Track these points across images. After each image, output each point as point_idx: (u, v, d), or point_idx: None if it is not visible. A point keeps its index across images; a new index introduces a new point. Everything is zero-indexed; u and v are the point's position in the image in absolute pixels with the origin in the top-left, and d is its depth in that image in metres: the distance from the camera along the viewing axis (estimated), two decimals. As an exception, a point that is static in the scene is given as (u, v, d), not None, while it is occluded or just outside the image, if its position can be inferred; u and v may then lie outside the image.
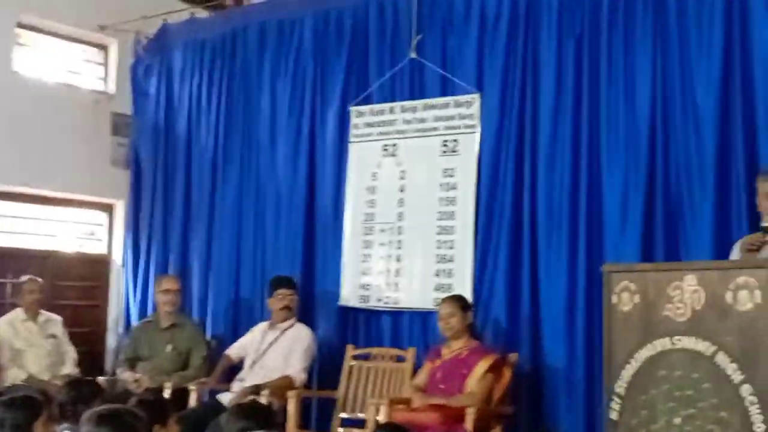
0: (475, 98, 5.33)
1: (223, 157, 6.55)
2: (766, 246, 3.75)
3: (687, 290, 3.36)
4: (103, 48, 7.30)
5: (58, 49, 7.05)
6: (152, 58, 7.01)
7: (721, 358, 3.21)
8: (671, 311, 3.40)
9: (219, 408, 4.96)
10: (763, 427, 3.05)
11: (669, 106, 4.61)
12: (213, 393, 5.52)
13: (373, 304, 5.65)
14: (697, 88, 4.50)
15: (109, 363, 6.86)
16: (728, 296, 3.22)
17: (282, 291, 5.56)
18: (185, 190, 6.75)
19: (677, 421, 3.32)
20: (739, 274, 3.22)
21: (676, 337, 3.37)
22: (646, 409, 3.43)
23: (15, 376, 5.65)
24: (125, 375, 5.72)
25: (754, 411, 3.08)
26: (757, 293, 3.13)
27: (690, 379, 3.30)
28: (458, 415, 4.43)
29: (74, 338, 6.24)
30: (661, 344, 3.42)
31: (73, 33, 7.07)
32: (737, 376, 3.15)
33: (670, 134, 4.59)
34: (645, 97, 4.66)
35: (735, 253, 3.88)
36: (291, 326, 5.55)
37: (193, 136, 6.75)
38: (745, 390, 3.12)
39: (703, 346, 3.27)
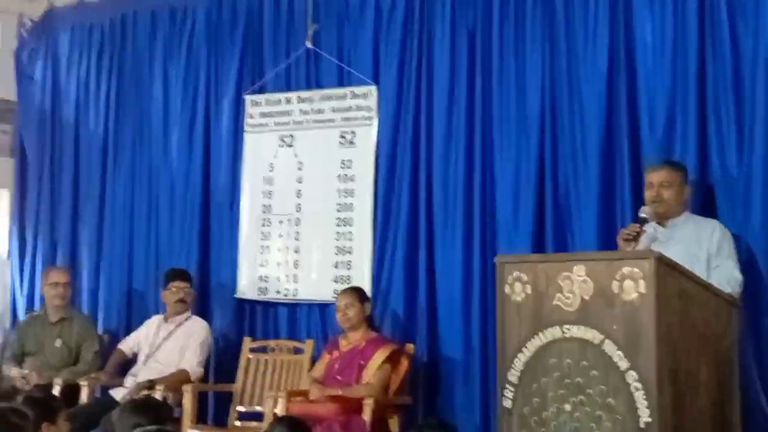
0: (372, 90, 5.36)
1: (114, 145, 6.39)
2: (641, 236, 3.84)
3: (576, 280, 3.37)
4: (-17, 30, 7.06)
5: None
6: (37, 41, 6.79)
7: (608, 346, 3.24)
8: (561, 301, 3.41)
9: (112, 404, 4.88)
10: (647, 411, 3.10)
11: (557, 101, 4.69)
12: (105, 389, 5.42)
13: (271, 296, 5.64)
14: (583, 84, 4.61)
15: (-6, 360, 6.68)
16: (614, 286, 3.24)
17: (177, 284, 5.49)
18: (74, 179, 6.57)
19: (567, 407, 3.34)
20: (624, 265, 3.24)
21: (566, 326, 3.39)
22: (538, 397, 3.45)
23: None
24: (12, 372, 5.54)
25: (639, 397, 3.13)
26: (641, 283, 3.16)
27: (579, 367, 3.32)
28: (356, 406, 4.47)
29: (-44, 334, 6.07)
30: (552, 333, 3.44)
31: (-51, 14, 6.82)
32: (623, 364, 3.19)
33: (558, 128, 4.68)
34: (535, 91, 4.74)
35: None
36: (186, 319, 5.50)
37: (82, 124, 6.57)
38: (631, 376, 3.16)
39: (592, 335, 3.30)
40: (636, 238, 3.81)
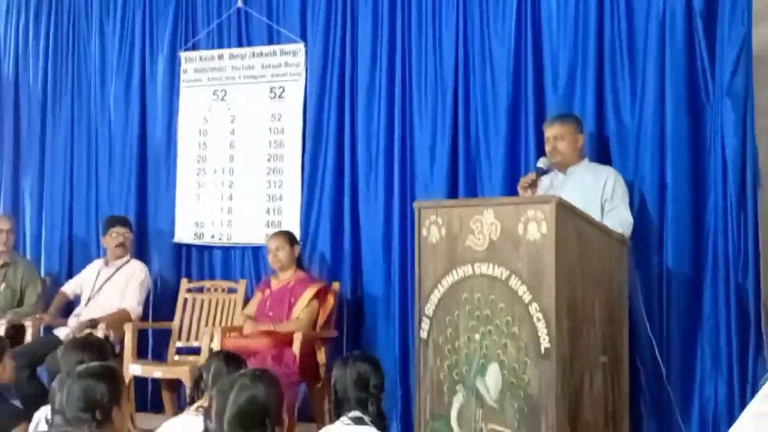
0: (300, 48, 5.30)
1: (53, 98, 6.19)
2: (539, 183, 3.97)
3: (485, 223, 3.42)
4: None
5: None
6: (-25, -3, 6.52)
7: (514, 282, 3.31)
8: (472, 242, 3.46)
9: (56, 343, 4.76)
10: (547, 339, 3.18)
11: (469, 61, 4.70)
12: (49, 329, 5.32)
13: (206, 240, 5.60)
14: (493, 45, 4.63)
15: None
16: (520, 228, 3.30)
17: (116, 229, 5.40)
18: (14, 131, 6.34)
19: (477, 337, 3.42)
20: (528, 209, 3.30)
21: (477, 264, 3.45)
22: (451, 328, 3.52)
23: None
24: (-42, 314, 5.44)
25: (541, 327, 3.21)
26: (543, 225, 3.23)
27: (488, 301, 3.39)
28: (287, 340, 4.49)
29: None
30: (464, 271, 3.50)
31: None
32: (527, 297, 3.27)
33: (470, 87, 4.70)
34: (450, 52, 4.74)
35: None
36: (126, 263, 5.42)
37: (21, 78, 6.34)
38: (533, 308, 3.23)
39: (499, 272, 3.36)
40: (533, 185, 3.92)
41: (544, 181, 4.07)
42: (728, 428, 3.78)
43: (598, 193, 3.96)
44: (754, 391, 3.65)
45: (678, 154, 4.12)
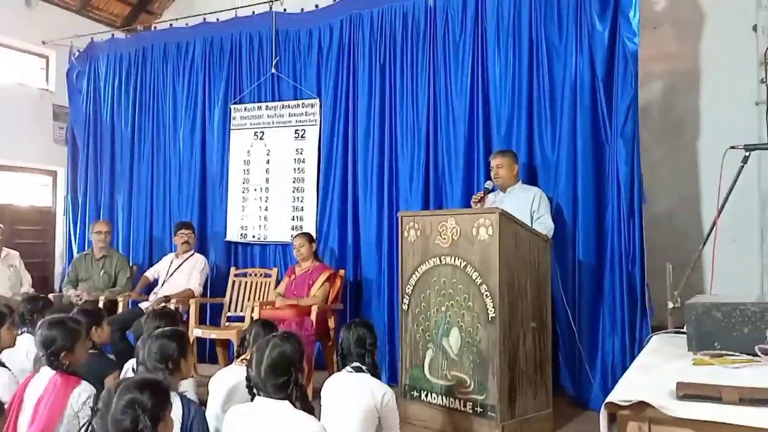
0: (316, 102, 5.30)
1: (139, 138, 6.15)
2: (486, 199, 3.99)
3: (449, 228, 3.45)
4: (44, 57, 6.66)
5: (12, 57, 6.38)
6: (83, 65, 6.45)
7: (469, 269, 3.35)
8: (439, 241, 3.50)
9: (140, 313, 4.74)
10: (493, 310, 3.22)
11: (438, 112, 4.70)
12: (135, 303, 5.28)
13: (248, 239, 5.58)
14: (455, 100, 4.63)
15: (56, 284, 6.42)
16: (473, 230, 3.34)
17: (182, 231, 5.38)
18: (111, 160, 6.30)
19: (443, 308, 3.46)
20: (479, 217, 3.34)
21: (442, 257, 3.49)
22: (424, 303, 3.56)
23: (-17, 295, 5.22)
24: (70, 292, 5.36)
25: (488, 301, 3.25)
26: (490, 228, 3.27)
27: (451, 283, 3.43)
28: (306, 311, 4.49)
29: (30, 267, 5.74)
30: (433, 261, 3.54)
31: (23, 46, 6.43)
32: (478, 280, 3.30)
33: (438, 130, 4.70)
34: (423, 105, 4.74)
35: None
36: (190, 255, 5.38)
37: (116, 123, 6.29)
38: (483, 288, 3.27)
39: (458, 262, 3.40)
40: (482, 200, 3.96)
41: (490, 197, 4.09)
42: (622, 374, 3.83)
43: (529, 206, 3.98)
44: (641, 347, 3.66)
45: (586, 177, 4.13)
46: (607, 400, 1.47)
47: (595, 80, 4.13)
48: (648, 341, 2.22)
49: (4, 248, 5.51)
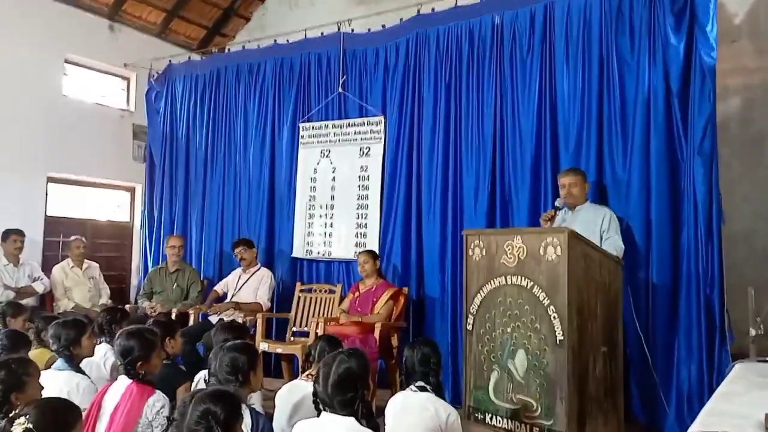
0: (381, 120, 5.34)
1: (212, 156, 6.37)
2: (555, 218, 3.90)
3: (515, 246, 3.37)
4: (125, 79, 7.03)
5: (94, 79, 6.76)
6: (161, 86, 6.77)
7: (536, 289, 3.25)
8: (505, 260, 3.42)
9: (210, 325, 4.89)
10: (561, 332, 3.11)
11: (504, 129, 4.66)
12: (205, 316, 5.45)
13: (314, 256, 5.65)
14: (522, 117, 4.58)
15: (132, 296, 6.71)
16: (541, 250, 3.24)
17: (238, 249, 5.50)
18: (185, 177, 6.56)
19: (508, 329, 3.37)
20: (547, 236, 3.25)
21: (508, 277, 3.40)
22: (489, 323, 3.48)
23: (66, 305, 5.51)
24: (144, 304, 5.60)
25: (556, 323, 3.14)
26: (558, 248, 3.17)
27: (517, 303, 3.34)
28: (370, 328, 4.50)
29: (108, 279, 6.10)
30: (499, 281, 3.45)
31: (105, 68, 6.80)
32: (546, 301, 3.20)
33: (504, 147, 4.65)
34: (489, 122, 4.70)
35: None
36: (258, 269, 5.52)
37: (191, 141, 6.55)
38: (551, 310, 3.17)
39: (525, 282, 3.31)
40: (551, 219, 3.86)
41: (559, 216, 4.00)
42: (699, 403, 3.65)
43: (598, 225, 3.87)
44: (719, 375, 3.50)
45: (660, 196, 3.99)
46: (692, 429, 1.41)
47: (669, 95, 4.00)
48: (730, 369, 2.11)
49: (85, 260, 5.83)
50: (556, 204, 3.98)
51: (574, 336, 3.16)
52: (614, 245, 3.77)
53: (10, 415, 1.71)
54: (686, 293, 3.87)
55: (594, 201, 4.12)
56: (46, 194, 6.19)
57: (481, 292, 3.57)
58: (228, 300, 5.46)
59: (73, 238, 5.83)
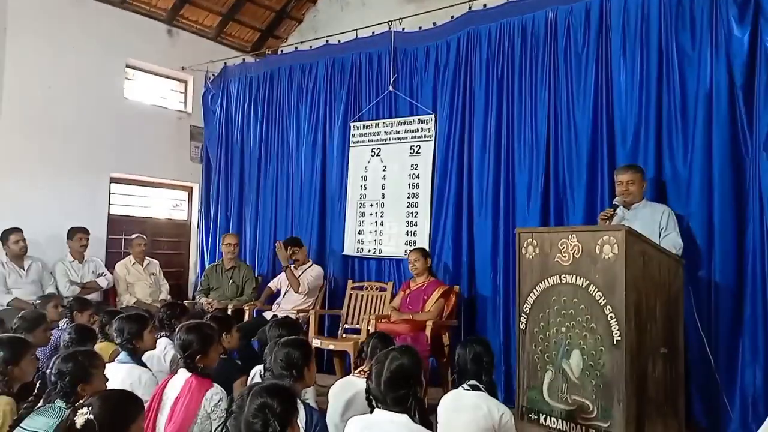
0: (432, 118, 5.32)
1: (265, 155, 6.49)
2: (614, 216, 3.79)
3: (570, 244, 3.31)
4: (183, 81, 7.22)
5: (153, 82, 6.97)
6: (216, 88, 6.93)
7: (592, 289, 3.19)
8: (559, 258, 3.36)
9: (264, 321, 4.99)
10: (618, 333, 3.04)
11: (558, 125, 4.58)
12: (259, 312, 5.54)
13: (365, 253, 5.66)
14: (576, 113, 4.49)
15: (190, 292, 6.89)
16: (596, 249, 3.18)
17: (292, 249, 5.53)
18: (240, 177, 6.69)
19: (563, 329, 3.31)
20: (603, 234, 3.18)
21: (563, 275, 3.34)
22: (543, 322, 3.42)
23: (128, 300, 5.70)
24: (202, 300, 5.75)
25: (613, 323, 3.08)
26: (615, 247, 3.10)
27: (572, 302, 3.29)
28: (421, 326, 4.48)
29: (167, 275, 6.28)
30: (553, 280, 3.40)
31: (163, 71, 6.98)
32: (602, 301, 3.14)
33: (558, 144, 4.56)
34: (543, 119, 4.63)
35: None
36: (309, 266, 5.58)
37: (245, 142, 6.68)
38: (607, 309, 3.11)
39: (580, 281, 3.25)
40: (610, 218, 3.77)
41: (618, 214, 3.89)
42: (764, 407, 3.49)
43: (657, 223, 3.77)
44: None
45: (723, 194, 3.84)
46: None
47: (733, 89, 3.84)
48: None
49: (146, 257, 6.02)
50: (615, 202, 3.87)
51: (632, 336, 3.08)
52: (673, 243, 3.65)
53: (76, 405, 1.77)
54: (751, 294, 3.71)
55: (652, 199, 4.00)
56: (110, 194, 6.42)
57: (534, 291, 3.51)
58: (281, 296, 5.54)
59: (134, 236, 6.03)
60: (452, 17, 5.25)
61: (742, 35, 3.78)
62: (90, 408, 1.67)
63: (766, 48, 3.67)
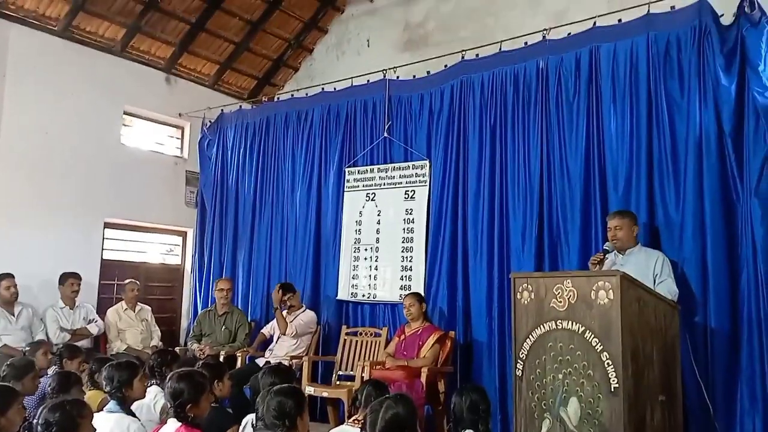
0: (426, 163, 5.36)
1: (260, 201, 6.49)
2: (605, 261, 3.79)
3: (565, 290, 3.28)
4: (180, 128, 7.27)
5: (150, 128, 7.02)
6: (213, 134, 6.98)
7: (588, 335, 3.15)
8: (555, 304, 3.33)
9: (257, 368, 4.91)
10: (616, 380, 2.99)
11: (551, 171, 4.61)
12: (252, 358, 5.47)
13: (359, 298, 5.63)
14: (569, 159, 4.53)
15: (182, 338, 6.79)
16: (592, 294, 3.16)
17: (287, 296, 5.47)
18: (234, 222, 6.68)
19: (560, 376, 3.26)
20: (599, 280, 3.16)
21: (559, 321, 3.31)
22: (539, 369, 3.37)
23: (118, 347, 5.61)
24: (194, 346, 5.65)
25: (610, 370, 3.03)
26: (611, 292, 3.08)
27: (568, 349, 3.24)
28: (416, 372, 4.43)
29: (159, 321, 6.19)
30: (549, 325, 3.36)
31: (160, 118, 7.04)
32: (599, 347, 3.10)
33: (552, 190, 4.59)
34: (536, 165, 4.67)
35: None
36: (302, 311, 5.51)
37: (240, 187, 6.69)
38: (604, 356, 3.07)
39: (576, 327, 3.22)
40: (600, 262, 3.77)
41: (609, 259, 3.89)
42: (767, 458, 3.42)
43: (651, 269, 3.74)
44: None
45: (715, 239, 3.86)
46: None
47: (722, 136, 3.91)
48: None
49: (138, 303, 5.95)
50: (605, 247, 3.88)
51: (629, 383, 3.03)
52: (668, 289, 3.64)
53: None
54: (747, 339, 3.69)
55: (645, 244, 4.00)
56: (103, 238, 6.39)
57: (530, 336, 3.46)
58: (274, 342, 5.46)
59: (127, 281, 5.97)
60: (446, 66, 5.35)
61: (729, 84, 3.87)
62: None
63: (754, 97, 3.74)
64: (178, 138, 7.29)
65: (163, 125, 7.13)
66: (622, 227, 3.88)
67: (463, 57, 5.21)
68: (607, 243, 3.93)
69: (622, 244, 3.89)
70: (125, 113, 6.66)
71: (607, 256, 3.84)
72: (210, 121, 7.03)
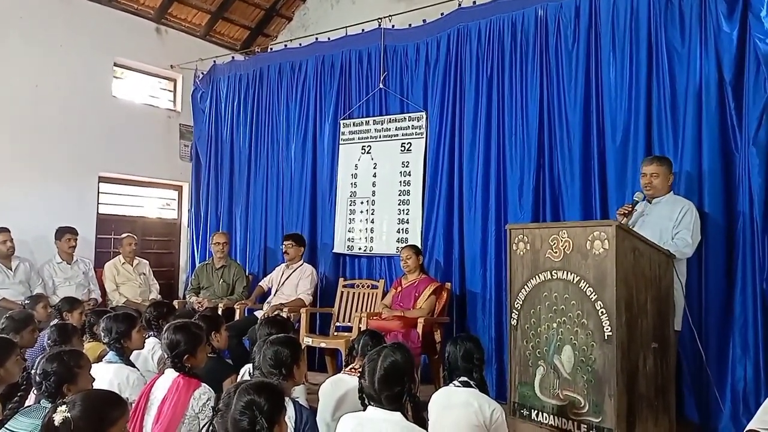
0: (422, 115, 5.29)
1: (255, 154, 6.44)
2: (633, 212, 3.67)
3: (561, 240, 3.28)
4: (172, 80, 7.15)
5: (142, 80, 6.90)
6: (206, 87, 6.87)
7: (583, 284, 3.17)
8: (550, 254, 3.34)
9: (255, 320, 4.93)
10: (609, 328, 3.02)
11: (550, 122, 4.56)
12: (251, 310, 5.50)
13: (355, 251, 5.64)
14: (568, 109, 4.48)
15: (180, 291, 6.84)
16: (587, 244, 3.16)
17: (285, 243, 5.54)
18: (230, 175, 6.64)
19: (554, 325, 3.30)
20: (594, 230, 3.14)
21: (554, 271, 3.33)
22: (534, 318, 3.41)
23: (117, 300, 5.64)
24: (192, 299, 5.69)
25: (604, 318, 3.06)
26: (606, 242, 3.08)
27: (563, 298, 3.27)
28: (413, 323, 4.47)
29: (156, 275, 6.21)
30: (544, 276, 3.38)
31: (152, 70, 6.92)
32: (593, 296, 3.12)
33: (551, 140, 4.55)
34: (534, 115, 4.61)
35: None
36: (300, 265, 5.53)
37: (235, 140, 6.63)
38: (598, 305, 3.08)
39: (571, 277, 3.23)
40: (629, 213, 3.66)
41: (638, 209, 3.76)
42: (755, 402, 3.48)
43: (673, 221, 3.63)
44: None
45: (713, 189, 3.84)
46: (749, 427, 1.32)
47: (722, 85, 3.84)
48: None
49: (136, 257, 5.96)
50: (635, 197, 3.72)
51: (622, 332, 3.05)
52: (682, 240, 3.54)
53: (57, 402, 1.72)
54: (741, 288, 3.71)
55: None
56: (98, 193, 6.35)
57: (525, 287, 3.49)
58: (272, 294, 5.51)
59: (124, 235, 5.96)
60: (442, 14, 5.22)
61: (731, 31, 3.78)
62: (70, 406, 1.62)
63: (755, 44, 3.66)
64: (170, 91, 7.17)
65: (155, 77, 7.00)
66: (659, 175, 3.70)
67: (459, 5, 5.09)
68: (637, 193, 3.75)
69: (654, 192, 3.73)
70: (116, 65, 6.52)
71: (636, 207, 3.70)
72: (202, 73, 6.91)
